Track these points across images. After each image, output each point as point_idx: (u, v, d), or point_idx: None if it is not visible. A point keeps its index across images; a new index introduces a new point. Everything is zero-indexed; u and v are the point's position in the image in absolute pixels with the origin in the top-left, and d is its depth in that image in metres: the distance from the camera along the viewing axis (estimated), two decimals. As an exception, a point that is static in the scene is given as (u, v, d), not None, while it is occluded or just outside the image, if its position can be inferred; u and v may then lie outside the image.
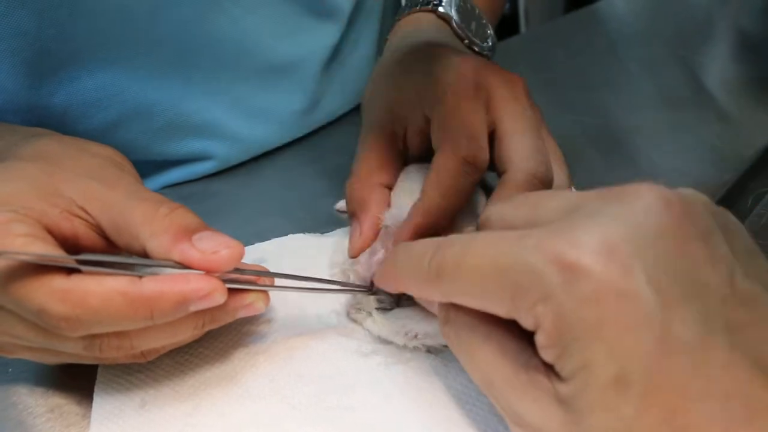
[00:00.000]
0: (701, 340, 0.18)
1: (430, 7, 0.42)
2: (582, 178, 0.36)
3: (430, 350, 0.30)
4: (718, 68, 0.60)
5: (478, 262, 0.22)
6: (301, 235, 0.38)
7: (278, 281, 0.29)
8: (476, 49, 0.42)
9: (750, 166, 0.45)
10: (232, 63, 0.43)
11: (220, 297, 0.25)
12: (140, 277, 0.25)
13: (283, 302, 0.33)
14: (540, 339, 0.20)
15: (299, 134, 0.50)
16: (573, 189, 0.35)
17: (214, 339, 0.31)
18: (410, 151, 0.36)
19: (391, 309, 0.31)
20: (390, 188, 0.35)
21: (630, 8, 0.72)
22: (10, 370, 0.31)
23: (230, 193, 0.45)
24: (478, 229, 0.27)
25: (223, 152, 0.46)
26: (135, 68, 0.40)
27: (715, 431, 0.18)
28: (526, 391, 0.21)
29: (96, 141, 0.31)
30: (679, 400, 0.18)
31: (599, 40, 0.65)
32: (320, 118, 0.50)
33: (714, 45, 0.64)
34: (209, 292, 0.25)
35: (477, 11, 0.43)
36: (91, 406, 0.28)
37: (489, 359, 0.23)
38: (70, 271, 0.24)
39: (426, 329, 0.29)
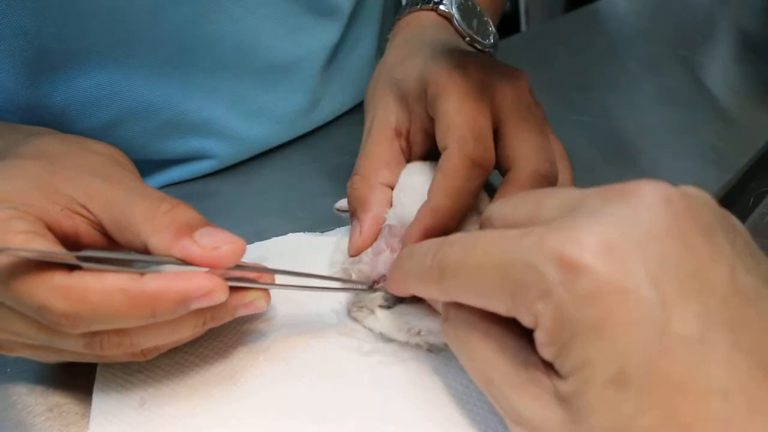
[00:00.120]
0: (702, 336, 0.18)
1: (431, 5, 0.42)
2: (582, 178, 0.36)
3: (431, 349, 0.30)
4: (719, 68, 0.60)
5: (479, 260, 0.22)
6: (301, 234, 0.38)
7: (279, 280, 0.29)
8: (478, 46, 0.42)
9: (751, 165, 0.45)
10: (232, 62, 0.43)
11: (221, 295, 0.25)
12: (142, 274, 0.25)
13: (283, 301, 0.32)
14: (539, 337, 0.20)
15: (299, 134, 0.50)
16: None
17: (214, 338, 0.31)
18: (413, 150, 0.36)
19: (393, 306, 0.31)
20: (392, 187, 0.35)
21: (631, 7, 0.72)
22: (9, 369, 0.31)
23: (230, 193, 0.45)
24: (481, 227, 0.27)
25: (222, 151, 0.46)
26: (134, 67, 0.40)
27: (716, 429, 0.18)
28: (526, 389, 0.21)
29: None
30: (680, 397, 0.18)
31: (600, 39, 0.66)
32: (320, 117, 0.50)
33: (715, 45, 0.64)
34: (210, 290, 0.25)
35: (478, 8, 0.43)
36: (90, 405, 0.28)
37: (489, 357, 0.23)
38: (71, 268, 0.24)
39: (429, 326, 0.29)
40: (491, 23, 0.44)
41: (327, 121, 0.51)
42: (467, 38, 0.42)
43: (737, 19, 0.70)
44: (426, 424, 0.27)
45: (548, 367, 0.21)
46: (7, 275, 0.24)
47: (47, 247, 0.24)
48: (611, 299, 0.19)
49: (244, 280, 0.28)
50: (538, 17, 1.44)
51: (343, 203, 0.39)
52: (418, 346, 0.30)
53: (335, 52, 0.49)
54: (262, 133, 0.47)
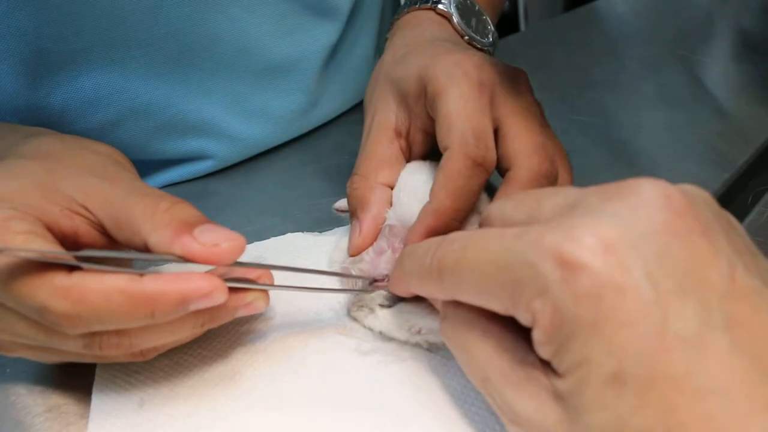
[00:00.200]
0: (700, 335, 0.18)
1: (429, 4, 0.42)
2: (581, 177, 0.36)
3: (430, 348, 0.30)
4: (718, 67, 0.60)
5: (478, 258, 0.22)
6: (300, 234, 0.38)
7: (278, 278, 0.29)
8: (477, 45, 0.42)
9: (750, 164, 0.45)
10: (230, 62, 0.43)
11: (220, 296, 0.25)
12: (141, 275, 0.25)
13: (282, 301, 0.32)
14: (537, 335, 0.20)
15: (298, 134, 0.50)
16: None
17: (213, 338, 0.31)
18: (413, 150, 0.36)
19: (393, 305, 0.31)
20: (391, 187, 0.35)
21: (630, 7, 0.72)
22: (8, 370, 0.31)
23: (229, 193, 0.45)
24: (481, 227, 0.27)
25: (221, 152, 0.46)
26: (133, 67, 0.40)
27: (714, 428, 0.18)
28: (523, 388, 0.21)
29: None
30: (678, 395, 0.18)
31: (599, 38, 0.66)
32: (319, 117, 0.50)
33: (714, 44, 0.64)
34: (210, 291, 0.25)
35: (477, 7, 0.43)
36: (89, 406, 0.28)
37: (486, 355, 0.23)
38: (71, 268, 0.24)
39: (430, 324, 0.29)
40: (490, 22, 0.44)
41: (326, 121, 0.51)
42: (466, 37, 0.42)
43: (736, 18, 0.70)
44: (424, 423, 0.27)
45: (545, 365, 0.21)
46: (7, 276, 0.24)
47: (47, 247, 0.24)
48: (609, 298, 0.19)
49: (243, 280, 0.28)
50: (537, 16, 1.44)
51: (342, 203, 0.39)
52: (418, 344, 0.30)
53: (334, 52, 0.49)
54: (260, 133, 0.47)
